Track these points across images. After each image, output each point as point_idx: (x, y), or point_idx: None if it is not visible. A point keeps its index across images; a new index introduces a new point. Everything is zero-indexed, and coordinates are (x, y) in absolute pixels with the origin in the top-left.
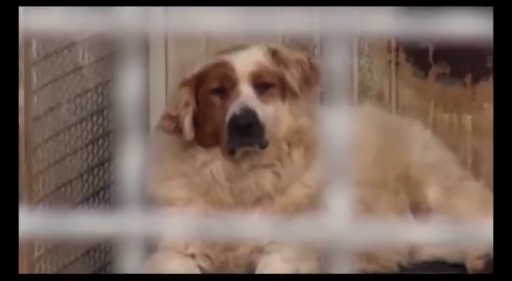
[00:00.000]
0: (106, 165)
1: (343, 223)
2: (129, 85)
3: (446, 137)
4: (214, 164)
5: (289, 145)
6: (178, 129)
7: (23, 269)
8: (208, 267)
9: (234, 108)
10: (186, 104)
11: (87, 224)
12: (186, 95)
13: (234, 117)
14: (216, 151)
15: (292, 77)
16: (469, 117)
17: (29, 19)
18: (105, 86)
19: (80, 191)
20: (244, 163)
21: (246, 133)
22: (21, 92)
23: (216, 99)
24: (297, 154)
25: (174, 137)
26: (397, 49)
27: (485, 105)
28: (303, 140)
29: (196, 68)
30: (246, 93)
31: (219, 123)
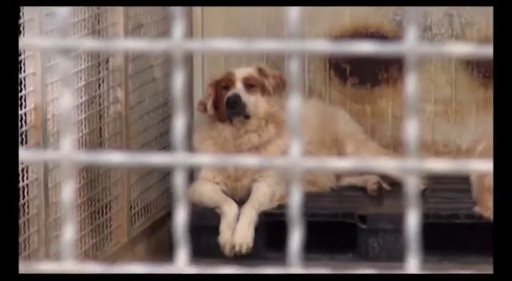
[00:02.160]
0: (169, 133)
1: (298, 161)
2: (181, 87)
3: (357, 118)
4: (225, 131)
5: (266, 121)
6: (205, 110)
7: (124, 192)
8: (226, 190)
9: (229, 94)
10: (209, 95)
11: (160, 161)
12: (210, 90)
13: (228, 98)
14: (227, 124)
15: (269, 84)
16: (369, 107)
17: (128, 49)
18: (170, 89)
19: (155, 147)
20: (241, 129)
21: (232, 107)
22: (123, 92)
23: (224, 92)
24: (271, 126)
25: (206, 117)
26: (329, 68)
27: (378, 101)
28: (274, 120)
29: (218, 76)
30: (238, 87)
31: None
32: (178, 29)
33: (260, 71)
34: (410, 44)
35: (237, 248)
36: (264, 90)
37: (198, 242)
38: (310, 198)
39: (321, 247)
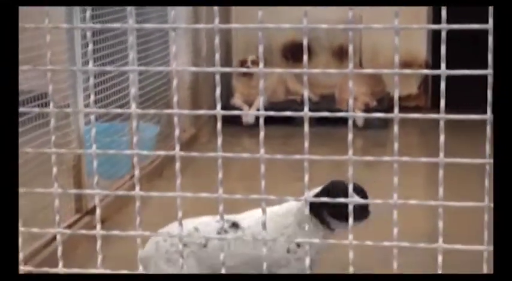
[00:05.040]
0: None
1: (262, 71)
2: (219, 54)
3: (295, 76)
4: (244, 79)
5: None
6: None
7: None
8: (244, 101)
9: (245, 65)
10: (238, 66)
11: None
12: (238, 63)
13: (245, 67)
14: (245, 77)
15: (260, 62)
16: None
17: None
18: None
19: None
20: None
21: (249, 74)
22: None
23: (243, 65)
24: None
25: (237, 74)
26: (282, 57)
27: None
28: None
29: (241, 58)
30: (249, 63)
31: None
32: (216, 19)
33: (257, 57)
34: (305, 26)
35: (249, 122)
36: (258, 65)
37: (235, 121)
38: (272, 104)
39: (279, 123)
